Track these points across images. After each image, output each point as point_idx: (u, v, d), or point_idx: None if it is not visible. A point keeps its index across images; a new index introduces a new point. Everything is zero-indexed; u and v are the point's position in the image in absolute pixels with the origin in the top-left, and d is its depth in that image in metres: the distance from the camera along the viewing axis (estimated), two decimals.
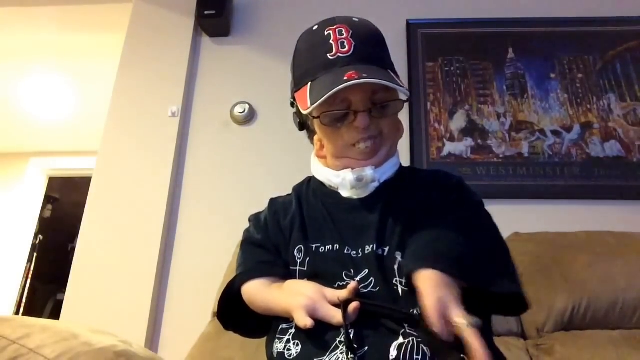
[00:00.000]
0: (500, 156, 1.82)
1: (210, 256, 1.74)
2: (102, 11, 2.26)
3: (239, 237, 1.53)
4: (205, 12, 2.02)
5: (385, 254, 0.74)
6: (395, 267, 0.72)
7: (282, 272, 0.81)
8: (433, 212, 0.76)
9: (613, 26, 1.99)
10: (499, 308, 0.73)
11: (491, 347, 0.72)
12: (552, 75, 1.94)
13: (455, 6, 2.09)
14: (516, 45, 1.99)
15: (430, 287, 0.62)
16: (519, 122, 1.87)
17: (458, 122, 1.89)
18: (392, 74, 0.78)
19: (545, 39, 1.99)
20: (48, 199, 4.16)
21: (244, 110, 1.95)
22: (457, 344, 0.61)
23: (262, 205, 0.97)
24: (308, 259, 0.78)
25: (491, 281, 0.68)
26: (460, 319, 0.58)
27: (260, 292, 0.80)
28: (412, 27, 2.04)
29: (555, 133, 1.84)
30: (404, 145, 1.82)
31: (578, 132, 1.84)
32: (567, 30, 2.00)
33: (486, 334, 0.73)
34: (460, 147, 1.85)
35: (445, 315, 0.59)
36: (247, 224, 0.95)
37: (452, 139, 1.86)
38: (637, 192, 1.74)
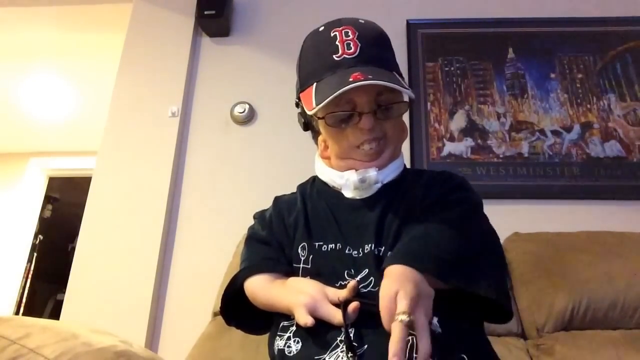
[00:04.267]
0: (500, 156, 1.82)
1: (210, 256, 1.74)
2: (102, 11, 2.26)
3: (238, 236, 1.55)
4: (205, 12, 2.02)
5: (381, 253, 0.74)
6: None
7: (286, 269, 0.81)
8: (427, 210, 0.77)
9: (613, 26, 1.99)
10: (486, 314, 0.74)
11: (485, 351, 0.72)
12: (552, 75, 1.94)
13: (455, 6, 2.09)
14: (516, 45, 1.99)
15: (390, 281, 0.62)
16: (519, 122, 1.87)
17: (458, 122, 1.89)
18: (397, 76, 0.78)
19: (545, 39, 1.99)
20: (48, 199, 4.16)
21: (244, 110, 1.95)
22: (457, 343, 0.61)
23: (261, 205, 0.97)
24: (311, 257, 0.79)
25: (469, 283, 0.67)
26: (402, 315, 0.55)
27: (263, 288, 0.81)
28: (412, 27, 2.04)
29: (555, 133, 1.84)
30: (404, 146, 1.81)
31: (578, 132, 1.84)
32: (567, 30, 2.00)
33: (477, 337, 0.73)
34: (460, 147, 1.85)
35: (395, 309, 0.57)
36: (246, 224, 0.95)
37: (452, 139, 1.86)
38: (637, 192, 1.74)
